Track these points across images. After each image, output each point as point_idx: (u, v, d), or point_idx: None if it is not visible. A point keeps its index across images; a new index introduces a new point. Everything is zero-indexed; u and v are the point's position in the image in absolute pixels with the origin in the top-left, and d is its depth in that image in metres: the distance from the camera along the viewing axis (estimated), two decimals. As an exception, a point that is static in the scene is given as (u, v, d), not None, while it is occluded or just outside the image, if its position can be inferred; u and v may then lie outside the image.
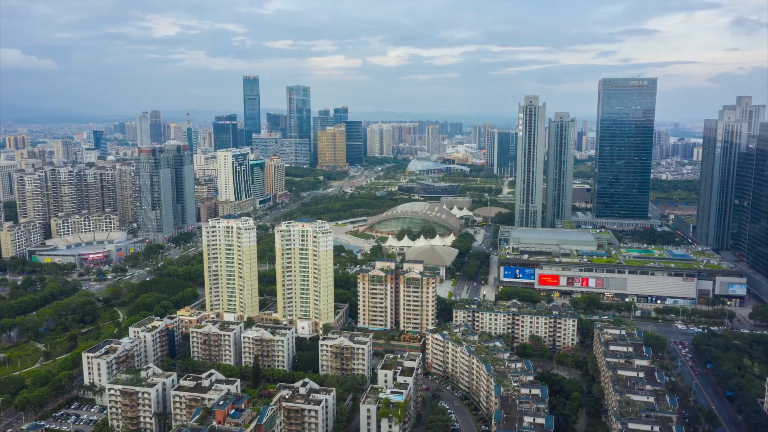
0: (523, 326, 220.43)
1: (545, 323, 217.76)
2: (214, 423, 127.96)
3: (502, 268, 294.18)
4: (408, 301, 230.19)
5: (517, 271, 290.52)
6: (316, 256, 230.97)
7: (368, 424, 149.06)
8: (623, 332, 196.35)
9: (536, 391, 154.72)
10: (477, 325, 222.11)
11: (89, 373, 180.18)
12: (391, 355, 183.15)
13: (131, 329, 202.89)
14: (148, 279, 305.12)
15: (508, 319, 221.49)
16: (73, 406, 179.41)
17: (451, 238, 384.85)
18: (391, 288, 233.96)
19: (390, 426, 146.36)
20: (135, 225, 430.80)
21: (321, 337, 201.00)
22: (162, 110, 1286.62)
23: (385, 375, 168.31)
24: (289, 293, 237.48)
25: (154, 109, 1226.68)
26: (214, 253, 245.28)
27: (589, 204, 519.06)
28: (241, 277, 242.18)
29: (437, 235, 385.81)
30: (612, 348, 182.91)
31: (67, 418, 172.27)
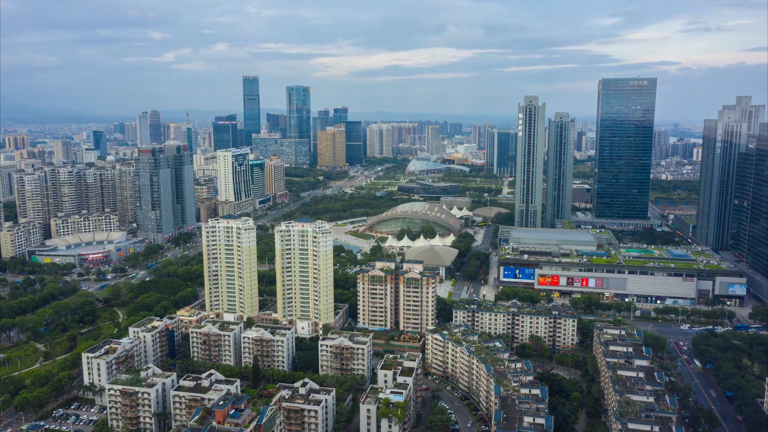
0: (522, 326, 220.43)
1: (545, 323, 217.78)
2: (214, 423, 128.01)
3: (501, 268, 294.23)
4: (408, 301, 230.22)
5: (517, 271, 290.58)
6: (315, 256, 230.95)
7: (368, 424, 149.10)
8: (623, 332, 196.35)
9: (536, 391, 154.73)
10: (477, 325, 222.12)
11: (89, 374, 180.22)
12: (391, 356, 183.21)
13: (131, 329, 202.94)
14: (147, 279, 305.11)
15: (508, 319, 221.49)
16: (72, 407, 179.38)
17: (451, 238, 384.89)
18: (391, 288, 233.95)
19: (390, 426, 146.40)
20: (135, 225, 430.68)
21: (321, 338, 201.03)
22: (162, 110, 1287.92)
23: (385, 375, 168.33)
24: (288, 293, 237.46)
25: (154, 109, 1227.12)
26: (213, 254, 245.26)
27: (588, 204, 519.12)
28: (240, 277, 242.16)
29: (437, 236, 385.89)
30: (612, 348, 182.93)
31: (66, 418, 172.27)
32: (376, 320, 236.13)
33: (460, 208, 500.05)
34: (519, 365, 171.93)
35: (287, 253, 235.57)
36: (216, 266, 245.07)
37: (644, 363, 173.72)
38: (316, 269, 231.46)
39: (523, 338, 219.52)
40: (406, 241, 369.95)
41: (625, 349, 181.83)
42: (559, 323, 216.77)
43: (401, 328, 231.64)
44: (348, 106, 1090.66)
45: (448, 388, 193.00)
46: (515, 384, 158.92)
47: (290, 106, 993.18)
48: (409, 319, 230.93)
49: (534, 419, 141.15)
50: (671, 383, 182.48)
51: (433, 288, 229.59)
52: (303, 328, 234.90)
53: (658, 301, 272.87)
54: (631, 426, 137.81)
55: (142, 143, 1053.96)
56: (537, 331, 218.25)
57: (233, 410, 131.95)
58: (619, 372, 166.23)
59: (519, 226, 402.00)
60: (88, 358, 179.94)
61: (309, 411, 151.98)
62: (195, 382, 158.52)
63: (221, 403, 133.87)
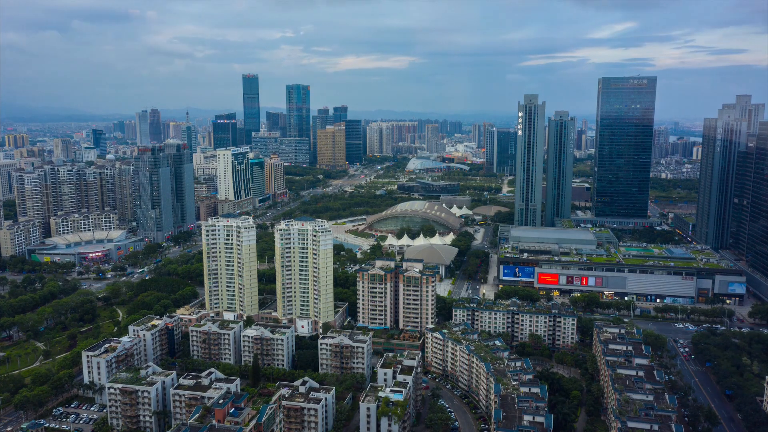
0: (522, 325, 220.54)
1: (545, 322, 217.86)
2: (214, 422, 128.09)
3: (501, 266, 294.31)
4: (407, 299, 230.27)
5: (517, 269, 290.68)
6: (315, 254, 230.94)
7: (368, 422, 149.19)
8: (622, 331, 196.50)
9: (536, 390, 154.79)
10: (476, 324, 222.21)
11: (89, 372, 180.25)
12: (391, 354, 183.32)
13: (131, 328, 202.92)
14: (147, 278, 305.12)
15: (508, 317, 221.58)
16: (72, 405, 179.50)
17: (451, 236, 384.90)
18: (391, 287, 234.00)
19: (389, 425, 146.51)
20: (134, 224, 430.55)
21: (320, 336, 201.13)
22: (161, 109, 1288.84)
23: (385, 374, 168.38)
24: (288, 292, 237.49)
25: (154, 107, 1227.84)
26: (213, 252, 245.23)
27: (588, 203, 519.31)
28: (240, 275, 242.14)
29: (437, 234, 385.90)
30: (611, 347, 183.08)
31: (66, 416, 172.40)
32: (375, 319, 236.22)
33: (460, 207, 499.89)
34: (518, 364, 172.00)
35: (287, 252, 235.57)
36: (216, 265, 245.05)
37: (644, 362, 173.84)
38: (315, 268, 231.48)
39: (523, 337, 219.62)
40: (405, 240, 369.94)
41: (624, 348, 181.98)
42: (559, 322, 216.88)
43: (401, 326, 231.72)
44: (348, 105, 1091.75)
45: (447, 386, 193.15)
46: (515, 383, 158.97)
47: (290, 104, 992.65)
48: (408, 317, 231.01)
49: (534, 418, 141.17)
50: (671, 382, 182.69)
51: (433, 287, 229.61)
52: (303, 327, 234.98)
53: (658, 300, 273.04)
54: (630, 424, 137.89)
55: (141, 142, 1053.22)
56: (537, 330, 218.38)
57: (233, 409, 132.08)
58: (619, 370, 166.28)
59: (519, 225, 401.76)
60: (88, 356, 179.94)
61: (309, 410, 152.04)
62: (195, 381, 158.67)
63: (221, 401, 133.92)
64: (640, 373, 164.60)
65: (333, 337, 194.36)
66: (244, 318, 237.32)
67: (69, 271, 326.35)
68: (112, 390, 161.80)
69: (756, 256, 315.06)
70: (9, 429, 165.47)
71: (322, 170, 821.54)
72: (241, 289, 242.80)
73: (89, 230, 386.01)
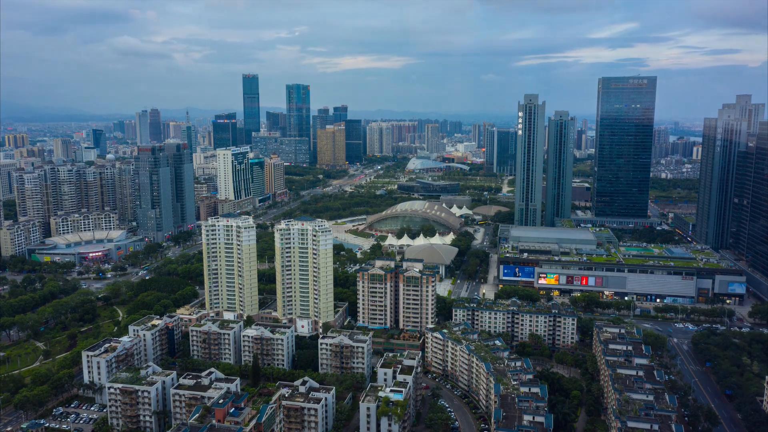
0: (522, 325, 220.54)
1: (545, 322, 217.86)
2: (214, 421, 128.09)
3: (501, 266, 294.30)
4: (407, 299, 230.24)
5: (517, 269, 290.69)
6: (315, 254, 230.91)
7: (368, 422, 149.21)
8: (622, 331, 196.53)
9: (536, 390, 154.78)
10: (476, 324, 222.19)
11: (89, 372, 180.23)
12: (391, 354, 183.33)
13: (131, 328, 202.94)
14: (147, 278, 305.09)
15: (508, 317, 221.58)
16: (72, 405, 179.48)
17: (451, 236, 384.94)
18: (391, 287, 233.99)
19: (389, 424, 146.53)
20: (134, 224, 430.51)
21: (320, 336, 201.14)
22: (161, 109, 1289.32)
23: (385, 373, 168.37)
24: (288, 292, 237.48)
25: (154, 107, 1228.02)
26: (213, 252, 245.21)
27: (588, 203, 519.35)
28: (240, 275, 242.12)
29: (437, 234, 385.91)
30: (611, 347, 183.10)
31: (66, 416, 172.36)
32: (375, 319, 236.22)
33: (460, 207, 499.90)
34: (518, 364, 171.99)
35: (287, 252, 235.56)
36: (216, 265, 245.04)
37: (644, 361, 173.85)
38: (315, 268, 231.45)
39: (523, 337, 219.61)
40: (405, 240, 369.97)
41: (624, 348, 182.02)
42: (559, 322, 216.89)
43: (401, 326, 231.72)
44: (348, 105, 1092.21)
45: (447, 386, 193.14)
46: (515, 382, 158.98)
47: (290, 104, 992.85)
48: (408, 317, 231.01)
49: (534, 417, 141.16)
50: (671, 381, 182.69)
51: (433, 286, 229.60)
52: (303, 327, 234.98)
53: (658, 300, 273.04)
54: (630, 424, 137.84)
55: (141, 142, 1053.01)
56: (537, 330, 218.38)
57: (233, 408, 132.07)
58: (619, 370, 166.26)
59: (519, 225, 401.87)
60: (88, 356, 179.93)
61: (309, 409, 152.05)
62: (195, 381, 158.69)
63: (221, 401, 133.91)
64: (640, 373, 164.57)
65: (333, 337, 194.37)
66: (244, 318, 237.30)
67: (69, 271, 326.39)
68: (112, 390, 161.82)
69: (756, 256, 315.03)
70: (9, 429, 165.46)
71: (322, 170, 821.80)
72: (241, 289, 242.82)
73: (89, 230, 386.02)
